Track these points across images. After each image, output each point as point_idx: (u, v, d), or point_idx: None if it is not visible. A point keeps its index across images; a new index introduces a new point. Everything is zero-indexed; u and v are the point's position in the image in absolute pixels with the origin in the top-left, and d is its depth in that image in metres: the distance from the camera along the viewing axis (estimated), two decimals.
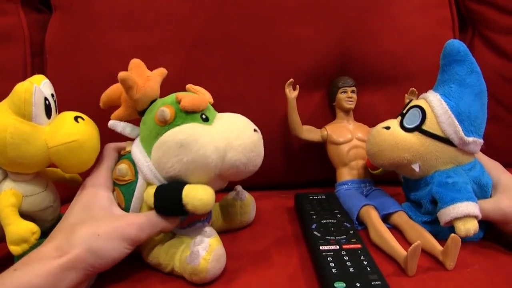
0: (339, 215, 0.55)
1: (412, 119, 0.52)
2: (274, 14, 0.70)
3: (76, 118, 0.46)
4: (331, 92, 0.69)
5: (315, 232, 0.50)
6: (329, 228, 0.51)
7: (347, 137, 0.66)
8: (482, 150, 0.54)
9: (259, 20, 0.70)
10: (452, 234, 0.45)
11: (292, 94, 0.65)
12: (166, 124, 0.45)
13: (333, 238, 0.49)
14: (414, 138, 0.51)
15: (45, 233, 0.47)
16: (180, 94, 0.46)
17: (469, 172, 0.51)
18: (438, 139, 0.50)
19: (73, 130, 0.45)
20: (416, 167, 0.51)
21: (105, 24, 0.69)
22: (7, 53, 0.71)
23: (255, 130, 0.48)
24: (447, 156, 0.51)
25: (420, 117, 0.51)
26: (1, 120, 0.42)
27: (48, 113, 0.45)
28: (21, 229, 0.42)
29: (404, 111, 0.54)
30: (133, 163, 0.47)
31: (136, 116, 0.50)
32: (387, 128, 0.53)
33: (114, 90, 0.50)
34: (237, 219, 0.57)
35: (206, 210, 0.43)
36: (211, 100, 0.50)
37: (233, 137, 0.46)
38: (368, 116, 0.71)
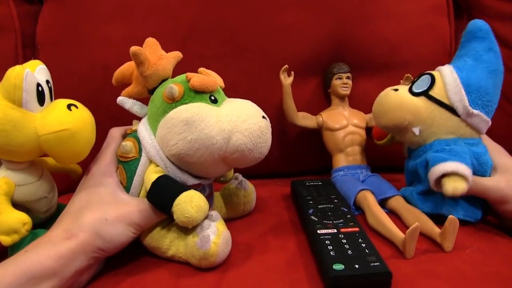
0: (336, 200, 0.55)
1: (421, 84, 0.53)
2: (268, 1, 0.70)
3: (69, 106, 0.43)
4: (326, 79, 0.69)
5: (312, 217, 0.50)
6: (326, 213, 0.51)
7: (343, 123, 0.66)
8: None
9: (252, 8, 0.69)
10: (450, 216, 0.44)
11: (287, 80, 0.64)
12: (173, 102, 0.44)
13: (331, 222, 0.48)
14: (419, 102, 0.52)
15: (39, 225, 0.46)
16: (191, 74, 0.46)
17: (470, 147, 0.50)
18: (442, 106, 0.51)
19: (64, 119, 0.42)
20: (416, 131, 0.52)
21: (97, 15, 0.69)
22: None
23: (263, 117, 0.46)
24: (450, 125, 0.51)
25: (429, 83, 0.52)
26: None
27: (41, 100, 0.43)
28: (12, 219, 0.41)
29: (415, 80, 0.54)
30: (138, 141, 0.47)
31: (146, 95, 0.50)
32: (395, 90, 0.54)
33: (127, 67, 0.50)
34: (240, 208, 0.56)
35: (191, 225, 0.43)
36: (222, 85, 0.49)
37: (240, 120, 0.45)
38: (363, 103, 0.70)
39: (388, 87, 0.56)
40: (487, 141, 0.55)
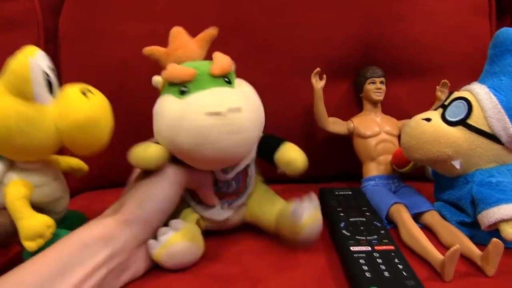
0: (367, 213, 0.52)
1: (455, 111, 0.49)
2: (295, 0, 0.66)
3: (83, 92, 0.40)
4: (358, 83, 0.66)
5: (343, 231, 0.48)
6: (359, 227, 0.49)
7: (375, 130, 0.63)
8: None
9: (277, 5, 0.66)
10: (494, 239, 0.41)
11: (318, 84, 0.62)
12: (160, 92, 0.46)
13: (364, 238, 0.46)
14: (458, 133, 0.48)
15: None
16: (170, 65, 0.45)
17: None
18: (484, 135, 0.47)
19: (84, 106, 0.40)
20: (457, 164, 0.48)
21: (117, 10, 0.67)
22: (20, 39, 0.68)
23: (216, 114, 0.39)
24: (492, 154, 0.47)
25: (466, 110, 0.48)
26: (1, 104, 0.37)
27: (50, 90, 0.40)
28: (36, 223, 0.39)
29: (446, 103, 0.50)
30: None
31: None
32: (428, 120, 0.50)
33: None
34: (287, 239, 0.48)
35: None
36: (226, 69, 0.44)
37: (187, 116, 0.40)
38: (393, 108, 0.68)
39: (419, 114, 0.52)
40: None
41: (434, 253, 0.44)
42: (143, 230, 0.42)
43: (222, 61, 0.45)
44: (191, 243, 0.43)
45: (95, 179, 0.69)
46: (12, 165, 0.42)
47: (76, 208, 0.55)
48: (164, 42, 0.66)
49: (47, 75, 0.39)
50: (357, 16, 0.67)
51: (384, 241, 0.46)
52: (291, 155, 0.48)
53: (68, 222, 0.48)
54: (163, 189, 0.43)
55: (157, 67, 0.67)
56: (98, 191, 0.70)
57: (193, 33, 0.66)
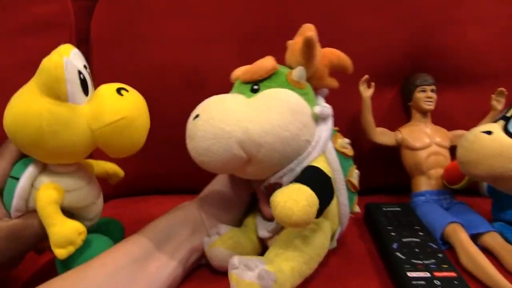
0: (421, 233, 0.48)
1: None
2: (341, 3, 0.63)
3: (119, 91, 0.38)
4: (407, 91, 0.62)
5: (397, 254, 0.44)
6: (413, 249, 0.45)
7: (425, 142, 0.59)
8: None
9: (323, 10, 0.63)
10: None
11: (366, 92, 0.58)
12: None
13: (421, 262, 0.42)
14: None
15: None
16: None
17: None
18: None
19: (119, 106, 0.37)
20: None
21: (155, 11, 0.64)
22: (53, 41, 0.66)
23: (196, 116, 0.39)
24: None
25: None
26: (32, 105, 0.35)
27: (85, 89, 0.38)
28: (66, 230, 0.37)
29: (508, 114, 0.46)
30: None
31: None
32: (488, 132, 0.45)
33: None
34: None
35: None
36: (250, 75, 0.43)
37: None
38: (444, 118, 0.63)
39: (477, 127, 0.48)
40: None
41: (501, 282, 0.40)
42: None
43: (253, 66, 0.43)
44: (229, 250, 0.43)
45: (125, 186, 0.67)
46: (44, 169, 0.40)
47: (104, 215, 0.52)
48: (206, 46, 0.64)
49: (81, 74, 0.37)
50: (407, 21, 0.63)
51: (443, 266, 0.42)
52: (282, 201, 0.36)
53: (105, 229, 0.46)
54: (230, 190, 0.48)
55: (196, 72, 0.65)
56: (129, 199, 0.68)
57: (236, 36, 0.64)
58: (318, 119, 0.42)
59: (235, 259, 0.36)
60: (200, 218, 0.46)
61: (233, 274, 0.35)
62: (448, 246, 0.49)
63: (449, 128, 0.62)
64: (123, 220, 0.50)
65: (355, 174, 0.46)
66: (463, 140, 0.48)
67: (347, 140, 0.47)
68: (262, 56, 0.46)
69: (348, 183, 0.45)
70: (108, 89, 0.39)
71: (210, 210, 0.47)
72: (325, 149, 0.42)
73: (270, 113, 0.38)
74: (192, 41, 0.63)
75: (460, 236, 0.47)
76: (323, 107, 0.42)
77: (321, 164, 0.41)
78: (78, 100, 0.37)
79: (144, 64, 0.64)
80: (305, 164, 0.40)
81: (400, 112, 0.65)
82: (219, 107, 0.39)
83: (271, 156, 0.39)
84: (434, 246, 0.46)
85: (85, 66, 0.39)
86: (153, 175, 0.68)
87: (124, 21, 0.65)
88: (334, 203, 0.43)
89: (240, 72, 0.44)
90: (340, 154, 0.44)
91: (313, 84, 0.45)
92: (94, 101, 0.38)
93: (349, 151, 0.46)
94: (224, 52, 0.63)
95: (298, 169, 0.40)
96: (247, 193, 0.49)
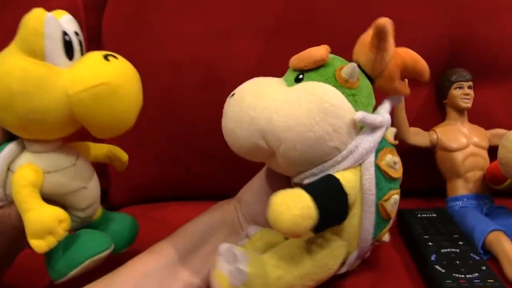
0: (460, 242, 0.45)
1: None
2: None
3: (106, 57, 0.34)
4: (442, 88, 0.58)
5: (436, 267, 0.40)
6: (454, 261, 0.41)
7: (462, 143, 0.55)
8: None
9: (353, 2, 0.59)
10: None
11: None
12: None
13: (463, 276, 0.39)
14: None
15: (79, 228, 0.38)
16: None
17: None
18: None
19: (102, 70, 0.32)
20: None
21: (168, 5, 0.60)
22: None
23: (233, 94, 0.39)
24: None
25: None
26: (6, 61, 0.32)
27: (69, 52, 0.33)
28: (44, 216, 0.32)
29: None
30: None
31: None
32: None
33: None
34: None
35: None
36: (297, 62, 0.39)
37: None
38: (481, 116, 0.59)
39: None
40: None
41: None
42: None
43: (303, 53, 0.39)
44: (257, 252, 0.39)
45: (140, 192, 0.65)
46: (22, 151, 0.35)
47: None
48: (224, 41, 0.61)
49: (67, 36, 0.33)
50: (444, 13, 0.58)
51: (489, 281, 0.38)
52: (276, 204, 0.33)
53: (117, 224, 0.42)
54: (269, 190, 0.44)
55: (213, 70, 0.62)
56: (144, 206, 0.64)
57: (257, 30, 0.61)
58: (363, 126, 0.37)
59: (223, 246, 0.35)
60: (237, 219, 0.45)
61: (216, 260, 0.35)
62: (489, 255, 0.45)
63: (487, 127, 0.58)
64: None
65: (392, 200, 0.39)
66: (505, 140, 0.44)
67: (396, 159, 0.39)
68: (285, 52, 0.43)
69: (380, 207, 0.38)
70: (94, 54, 0.34)
71: (247, 211, 0.45)
72: (363, 162, 0.37)
73: (298, 108, 0.35)
74: (209, 37, 0.60)
75: (504, 246, 0.44)
76: (372, 114, 0.37)
77: (347, 177, 0.36)
78: (57, 61, 0.32)
79: (158, 62, 0.61)
80: (329, 172, 0.36)
81: (434, 111, 0.61)
82: (253, 90, 0.37)
83: (291, 155, 0.35)
84: (476, 257, 0.42)
85: (76, 33, 0.35)
86: (170, 180, 0.65)
87: (136, 17, 0.62)
88: (355, 224, 0.37)
89: (294, 57, 0.40)
90: (382, 173, 0.38)
91: (380, 84, 0.41)
92: (76, 65, 0.34)
93: (395, 173, 0.39)
94: (243, 48, 0.59)
95: (321, 176, 0.37)
96: None
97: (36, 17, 0.31)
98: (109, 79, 0.32)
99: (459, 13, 0.58)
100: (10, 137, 0.35)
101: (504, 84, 0.60)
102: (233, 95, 0.38)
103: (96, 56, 0.34)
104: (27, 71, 0.31)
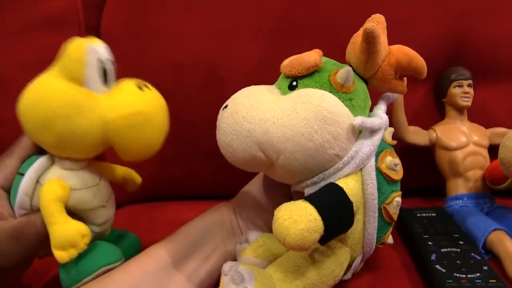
0: (461, 242, 0.44)
1: None
2: None
3: (140, 86, 0.37)
4: (442, 86, 0.58)
5: (437, 267, 0.40)
6: (454, 261, 0.41)
7: (461, 141, 0.55)
8: None
9: (352, 1, 0.58)
10: None
11: None
12: None
13: (464, 276, 0.39)
14: None
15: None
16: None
17: None
18: None
19: (137, 99, 0.36)
20: None
21: (169, 4, 0.60)
22: (61, 38, 0.64)
23: (225, 106, 0.38)
24: None
25: None
26: (48, 85, 0.34)
27: (105, 80, 0.36)
28: (68, 230, 0.35)
29: None
30: None
31: None
32: None
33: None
34: None
35: None
36: (288, 70, 0.38)
37: None
38: (481, 115, 0.59)
39: None
40: None
41: None
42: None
43: (295, 59, 0.38)
44: (259, 259, 0.40)
45: (140, 192, 0.63)
46: (52, 165, 0.37)
47: (118, 222, 0.48)
48: (225, 42, 0.61)
49: (104, 64, 0.36)
50: (445, 12, 0.58)
51: (491, 281, 0.38)
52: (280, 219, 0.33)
53: (119, 243, 0.43)
54: (267, 193, 0.45)
55: (214, 70, 0.62)
56: (144, 205, 0.65)
57: (259, 31, 0.60)
58: (361, 130, 0.37)
59: (227, 265, 0.34)
60: (236, 221, 0.44)
61: (222, 280, 0.34)
62: (490, 255, 0.45)
63: (487, 125, 0.58)
64: (137, 228, 0.48)
65: (395, 203, 0.38)
66: (506, 140, 0.44)
67: (397, 161, 0.38)
68: (286, 52, 0.42)
69: (383, 210, 0.38)
70: (128, 83, 0.37)
71: (245, 213, 0.45)
72: (364, 167, 0.36)
73: (295, 118, 0.34)
74: (209, 37, 0.59)
75: (506, 245, 0.43)
76: (371, 118, 0.37)
77: (350, 184, 0.35)
78: (95, 87, 0.35)
79: (158, 62, 0.60)
80: (331, 180, 0.36)
81: (433, 110, 0.60)
82: (246, 101, 0.36)
83: (291, 165, 0.35)
84: (477, 257, 0.42)
85: (109, 60, 0.37)
86: (170, 179, 0.65)
87: (136, 17, 0.61)
88: (359, 229, 0.37)
89: (284, 63, 0.40)
90: (383, 176, 0.38)
91: (375, 85, 0.40)
92: (113, 92, 0.36)
93: (396, 175, 0.38)
94: (244, 48, 0.59)
95: (323, 184, 0.36)
96: (285, 197, 0.43)
97: (78, 47, 0.34)
98: (143, 108, 0.35)
99: (459, 13, 0.58)
100: (39, 150, 0.38)
101: (504, 83, 0.60)
102: (225, 107, 0.37)
103: (130, 85, 0.37)
104: (68, 96, 0.33)
